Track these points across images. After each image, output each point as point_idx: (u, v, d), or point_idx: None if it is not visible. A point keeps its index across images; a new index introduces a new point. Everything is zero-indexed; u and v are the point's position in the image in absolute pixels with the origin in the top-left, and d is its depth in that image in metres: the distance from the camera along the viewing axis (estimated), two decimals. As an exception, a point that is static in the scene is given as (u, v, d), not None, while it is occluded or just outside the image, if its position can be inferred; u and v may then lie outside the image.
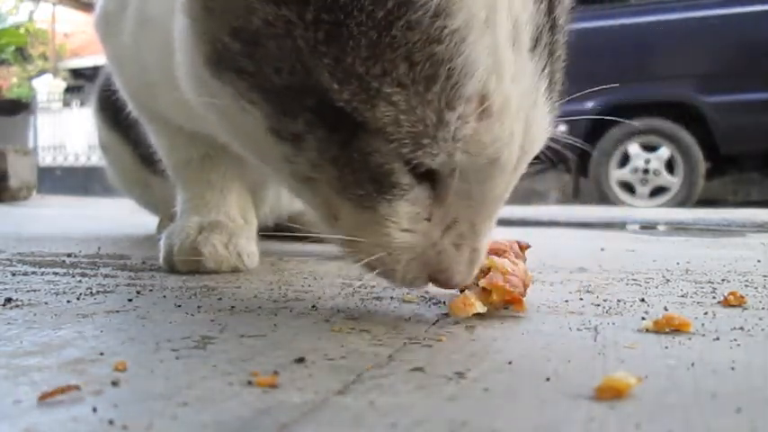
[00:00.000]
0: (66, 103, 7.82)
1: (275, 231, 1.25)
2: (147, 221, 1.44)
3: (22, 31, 7.27)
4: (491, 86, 0.46)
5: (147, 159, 1.13)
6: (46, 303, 0.61)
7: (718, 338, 0.51)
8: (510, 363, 0.43)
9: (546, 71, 0.49)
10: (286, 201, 1.28)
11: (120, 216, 2.00)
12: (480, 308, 0.56)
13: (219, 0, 0.49)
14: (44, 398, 0.34)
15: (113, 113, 1.13)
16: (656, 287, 0.75)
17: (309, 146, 0.48)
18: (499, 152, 0.48)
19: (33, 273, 0.81)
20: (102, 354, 0.43)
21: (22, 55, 8.65)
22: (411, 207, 0.51)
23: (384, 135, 0.46)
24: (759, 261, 1.04)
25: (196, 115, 0.83)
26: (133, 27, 0.80)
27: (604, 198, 4.11)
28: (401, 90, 0.45)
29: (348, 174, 0.49)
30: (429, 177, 0.50)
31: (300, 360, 0.42)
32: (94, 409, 0.33)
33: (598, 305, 0.63)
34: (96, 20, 0.91)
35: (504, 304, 0.57)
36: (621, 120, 3.68)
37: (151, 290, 0.70)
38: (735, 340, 0.50)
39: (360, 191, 0.49)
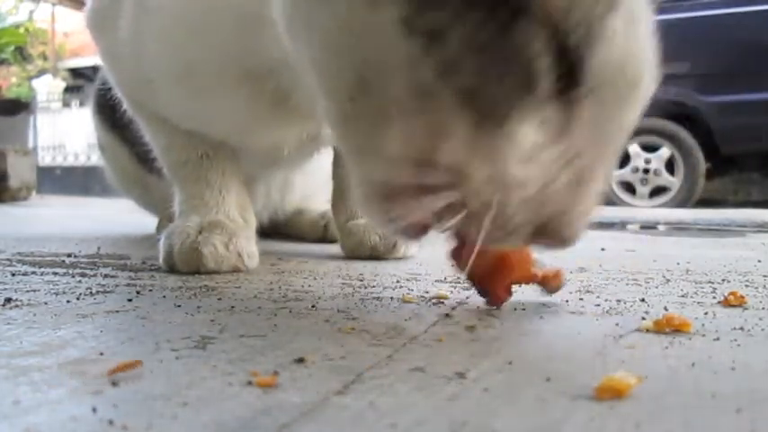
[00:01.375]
0: (66, 103, 7.82)
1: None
2: (146, 221, 1.44)
3: (21, 30, 7.27)
4: None
5: (143, 160, 1.13)
6: (46, 303, 0.61)
7: (718, 338, 0.51)
8: (510, 363, 0.43)
9: None
10: (277, 197, 1.28)
11: (120, 216, 1.99)
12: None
13: None
14: (111, 373, 0.38)
15: (110, 113, 1.13)
16: (656, 287, 0.75)
17: (451, 38, 0.42)
18: (639, 70, 0.45)
19: (33, 273, 0.81)
20: (102, 354, 0.44)
21: (21, 55, 8.64)
22: (539, 130, 0.44)
23: (549, 22, 0.42)
24: (759, 261, 1.04)
25: (195, 114, 0.83)
26: (132, 19, 0.78)
27: (605, 198, 4.11)
28: None
29: (490, 68, 0.42)
30: (562, 94, 0.44)
31: (300, 360, 0.42)
32: (94, 410, 0.33)
33: (598, 305, 0.63)
34: (88, 17, 0.89)
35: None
36: None
37: (151, 290, 0.70)
38: (735, 340, 0.50)
39: (498, 94, 0.43)
